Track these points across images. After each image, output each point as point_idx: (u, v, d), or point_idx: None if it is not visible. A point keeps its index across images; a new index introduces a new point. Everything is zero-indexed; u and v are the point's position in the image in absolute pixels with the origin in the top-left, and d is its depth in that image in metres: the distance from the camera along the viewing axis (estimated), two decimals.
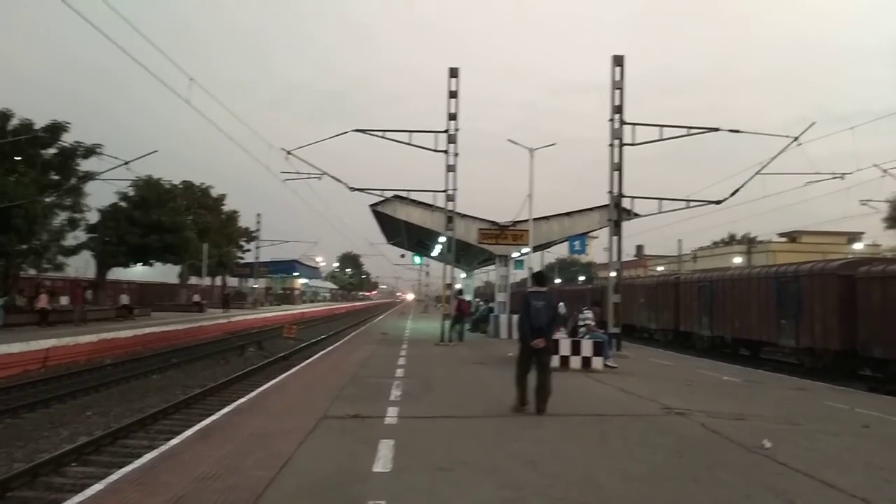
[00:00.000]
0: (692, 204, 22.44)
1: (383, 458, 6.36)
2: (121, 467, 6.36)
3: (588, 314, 15.82)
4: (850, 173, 20.91)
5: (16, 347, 17.69)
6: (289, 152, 21.99)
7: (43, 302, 25.90)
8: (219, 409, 9.69)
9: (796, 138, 20.12)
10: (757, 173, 20.88)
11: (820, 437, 8.13)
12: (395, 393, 10.72)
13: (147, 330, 26.45)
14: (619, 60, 20.46)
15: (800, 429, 8.65)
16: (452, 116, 22.02)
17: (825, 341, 17.99)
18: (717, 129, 21.48)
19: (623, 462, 6.54)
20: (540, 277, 10.40)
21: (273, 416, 8.94)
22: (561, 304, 16.93)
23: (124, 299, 34.55)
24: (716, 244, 68.41)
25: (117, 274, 41.02)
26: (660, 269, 64.75)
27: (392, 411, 8.94)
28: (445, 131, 22.00)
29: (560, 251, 56.65)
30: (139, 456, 6.90)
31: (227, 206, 55.61)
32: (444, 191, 22.47)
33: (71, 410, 13.01)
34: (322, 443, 7.19)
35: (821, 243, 49.90)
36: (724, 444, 7.44)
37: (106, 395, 14.99)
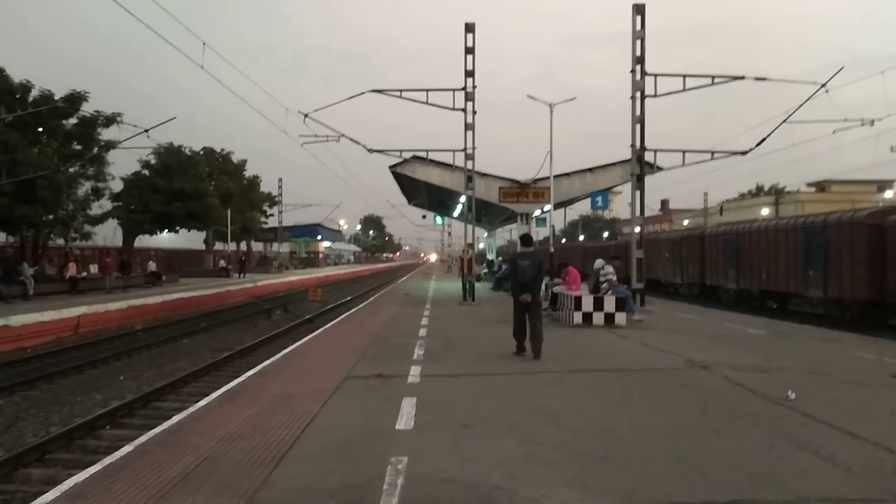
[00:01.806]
0: (717, 155, 21.93)
1: (406, 416, 6.44)
2: (151, 429, 6.52)
3: (609, 269, 15.69)
4: (879, 119, 20.26)
5: (48, 315, 18.11)
6: (306, 115, 21.88)
7: (72, 270, 26.40)
8: (246, 372, 9.87)
9: (824, 85, 19.49)
10: (784, 122, 20.32)
11: (846, 388, 8.04)
12: (418, 352, 10.80)
13: (175, 296, 26.91)
14: (639, 9, 19.86)
15: (826, 379, 8.57)
16: (469, 73, 21.67)
17: (854, 291, 17.73)
18: (742, 78, 20.88)
19: (645, 416, 6.54)
20: (525, 239, 11.54)
21: (298, 377, 9.09)
22: (599, 259, 16.90)
23: (152, 266, 35.15)
24: (743, 196, 67.42)
25: (144, 241, 41.61)
26: (685, 222, 63.97)
27: (415, 370, 9.02)
28: (463, 89, 21.68)
29: (583, 208, 56.29)
30: (169, 418, 7.06)
31: (249, 172, 55.79)
32: (463, 150, 22.28)
33: (104, 375, 13.36)
34: (345, 402, 7.29)
35: (850, 192, 48.93)
36: (747, 397, 7.39)
37: (137, 359, 15.35)
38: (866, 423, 6.18)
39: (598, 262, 16.51)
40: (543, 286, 13.00)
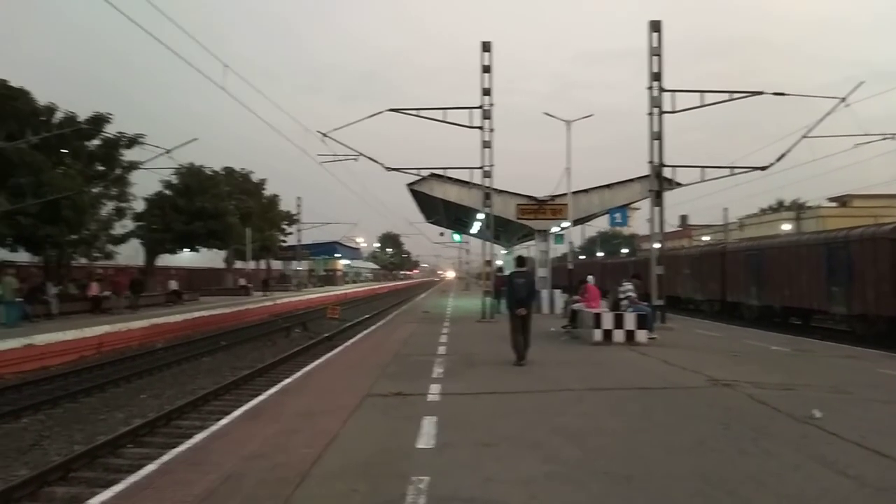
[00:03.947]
0: (736, 171, 21.80)
1: (426, 435, 6.43)
2: (174, 447, 6.57)
3: (628, 286, 15.63)
4: None
5: (71, 335, 18.32)
6: (324, 135, 22.08)
7: (94, 290, 26.70)
8: (266, 390, 9.92)
9: (844, 99, 19.37)
10: (804, 137, 20.19)
11: (873, 406, 7.91)
12: (438, 370, 10.79)
13: (196, 314, 27.15)
14: (656, 26, 19.90)
15: (851, 397, 8.43)
16: (486, 92, 21.74)
17: (878, 307, 17.47)
18: (760, 93, 20.79)
19: (667, 435, 6.47)
20: (520, 261, 12.81)
21: (318, 395, 9.12)
22: (591, 276, 17.13)
23: (173, 285, 35.45)
24: (763, 211, 66.72)
25: (166, 260, 42.02)
26: (705, 238, 63.45)
27: (434, 388, 9.01)
28: (480, 107, 21.77)
29: (601, 224, 55.97)
30: (191, 436, 7.11)
31: (268, 191, 56.25)
32: (480, 167, 22.33)
33: (126, 394, 13.48)
34: (366, 420, 7.29)
35: (873, 207, 48.22)
36: (772, 415, 7.30)
37: (159, 377, 15.48)
38: (894, 441, 6.07)
39: (590, 279, 16.68)
40: (563, 304, 13.39)
